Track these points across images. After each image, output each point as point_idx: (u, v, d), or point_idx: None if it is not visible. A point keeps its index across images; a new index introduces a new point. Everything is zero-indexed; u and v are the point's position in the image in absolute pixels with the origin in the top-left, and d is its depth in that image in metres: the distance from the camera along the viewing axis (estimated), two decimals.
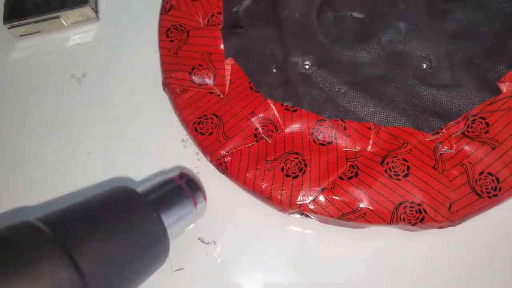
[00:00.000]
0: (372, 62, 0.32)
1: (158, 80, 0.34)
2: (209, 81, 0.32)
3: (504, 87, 0.30)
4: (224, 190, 0.31)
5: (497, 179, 0.27)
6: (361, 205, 0.27)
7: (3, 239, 0.19)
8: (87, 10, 0.37)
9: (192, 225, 0.29)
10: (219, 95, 0.32)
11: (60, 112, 0.36)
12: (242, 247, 0.30)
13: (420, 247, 0.29)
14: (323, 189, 0.28)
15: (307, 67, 0.32)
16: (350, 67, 0.32)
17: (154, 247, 0.25)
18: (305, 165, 0.29)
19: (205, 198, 0.29)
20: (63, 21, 0.38)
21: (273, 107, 0.31)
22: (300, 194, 0.28)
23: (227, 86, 0.32)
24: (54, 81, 0.37)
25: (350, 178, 0.28)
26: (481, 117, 0.29)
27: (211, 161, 0.30)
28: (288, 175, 0.29)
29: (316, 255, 0.29)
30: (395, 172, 0.28)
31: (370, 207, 0.27)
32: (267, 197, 0.28)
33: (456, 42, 0.32)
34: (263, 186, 0.29)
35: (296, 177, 0.28)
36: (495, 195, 0.27)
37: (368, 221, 0.27)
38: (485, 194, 0.27)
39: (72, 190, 0.32)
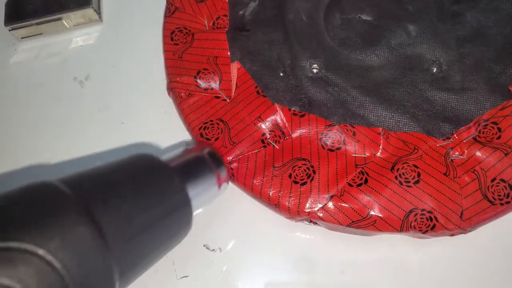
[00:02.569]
0: (381, 65, 0.31)
1: (161, 83, 0.34)
2: (215, 85, 0.32)
3: None
4: (230, 196, 0.30)
5: (510, 186, 0.27)
6: (371, 213, 0.27)
7: (23, 196, 0.19)
8: (89, 12, 0.37)
9: (213, 201, 0.28)
10: (225, 100, 0.31)
11: (63, 115, 0.35)
12: (248, 254, 0.29)
13: (429, 252, 0.28)
14: (332, 196, 0.27)
15: (315, 71, 0.32)
16: (358, 71, 0.31)
17: (177, 214, 0.24)
18: (314, 172, 0.28)
19: (227, 175, 0.28)
20: (65, 23, 0.37)
21: (281, 112, 0.30)
22: (309, 202, 0.27)
23: (233, 90, 0.31)
24: (56, 84, 0.37)
25: (359, 185, 0.28)
26: (493, 122, 0.29)
27: None
28: (296, 182, 0.28)
29: (323, 263, 0.29)
30: (406, 178, 0.27)
31: (380, 215, 0.27)
32: (275, 204, 0.28)
33: (466, 45, 0.31)
34: (270, 193, 0.28)
35: (304, 183, 0.28)
36: (508, 202, 0.27)
37: (378, 229, 0.27)
38: (497, 201, 0.27)
39: None
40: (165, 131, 0.33)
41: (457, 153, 0.28)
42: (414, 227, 0.26)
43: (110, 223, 0.19)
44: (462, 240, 0.28)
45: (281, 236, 0.30)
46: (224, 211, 0.30)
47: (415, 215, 0.27)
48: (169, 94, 0.33)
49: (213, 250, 0.30)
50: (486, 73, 0.30)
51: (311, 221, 0.28)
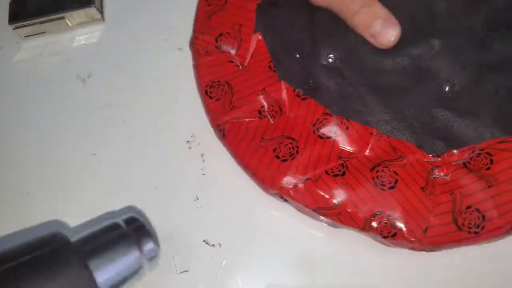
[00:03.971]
0: (395, 71, 0.31)
1: (163, 81, 0.35)
2: (232, 51, 0.33)
3: None
4: (230, 191, 0.31)
5: (483, 217, 0.27)
6: (339, 204, 0.27)
7: None
8: (92, 11, 0.37)
9: (142, 278, 0.26)
10: (238, 66, 0.32)
11: (65, 113, 0.36)
12: (248, 249, 0.30)
13: (432, 264, 0.28)
14: (307, 179, 0.28)
15: (330, 60, 0.32)
16: (372, 71, 0.31)
17: None
18: (297, 152, 0.29)
19: (157, 246, 0.26)
20: (68, 22, 0.38)
21: (285, 90, 0.31)
22: (284, 178, 0.28)
23: (248, 59, 0.33)
24: (59, 82, 0.37)
25: (336, 175, 0.28)
26: (487, 153, 0.28)
27: (212, 125, 0.31)
28: (277, 157, 0.29)
29: (324, 260, 0.29)
30: (382, 182, 0.28)
31: (347, 209, 0.27)
32: (252, 173, 0.29)
33: (485, 72, 0.31)
34: (250, 161, 0.29)
35: (285, 160, 0.29)
36: (476, 233, 0.26)
37: (341, 221, 0.27)
38: (465, 228, 0.27)
39: (75, 190, 0.33)
40: (167, 129, 0.34)
41: (442, 173, 0.28)
42: (376, 230, 0.27)
43: None
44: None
45: (281, 232, 0.30)
46: (224, 207, 0.31)
47: (381, 218, 0.27)
48: (190, 48, 0.34)
49: (213, 245, 0.30)
50: (495, 105, 0.30)
51: (282, 197, 0.29)
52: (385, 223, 0.27)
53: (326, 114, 0.30)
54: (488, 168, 0.28)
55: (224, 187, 0.32)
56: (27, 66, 0.38)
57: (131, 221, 0.26)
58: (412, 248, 0.28)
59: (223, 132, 0.30)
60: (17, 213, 0.33)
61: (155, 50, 0.37)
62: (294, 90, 0.31)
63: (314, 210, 0.28)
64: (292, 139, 0.30)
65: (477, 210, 0.27)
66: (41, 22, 0.37)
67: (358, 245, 0.29)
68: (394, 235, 0.27)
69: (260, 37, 0.33)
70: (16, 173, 0.34)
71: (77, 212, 0.32)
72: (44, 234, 0.24)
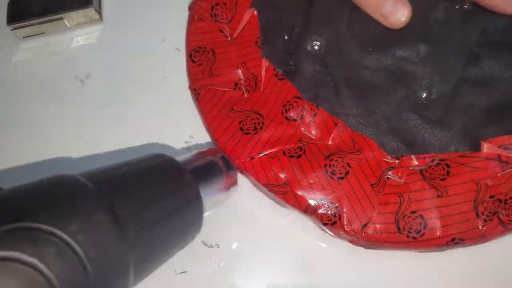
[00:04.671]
0: (377, 69, 0.31)
1: (162, 81, 0.35)
2: (224, 21, 0.34)
3: (485, 148, 0.28)
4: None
5: (425, 225, 0.27)
6: (287, 184, 0.28)
7: (45, 184, 0.20)
8: (90, 12, 0.37)
9: (221, 204, 0.29)
10: (227, 36, 0.33)
11: (63, 113, 0.36)
12: (246, 250, 0.30)
13: (435, 269, 0.29)
14: (263, 154, 0.29)
15: (316, 47, 0.32)
16: (353, 65, 0.32)
17: (189, 209, 0.25)
18: (261, 128, 0.30)
19: (236, 178, 0.29)
20: (66, 22, 0.38)
21: (264, 67, 0.32)
22: (242, 150, 0.29)
23: (237, 32, 0.33)
24: (57, 82, 0.37)
25: (291, 156, 0.29)
26: (446, 164, 0.28)
27: (189, 88, 0.32)
28: (241, 129, 0.30)
29: (323, 262, 0.29)
30: (333, 171, 0.28)
31: (294, 190, 0.28)
32: (215, 139, 0.30)
33: (466, 86, 0.30)
34: (217, 128, 0.30)
35: (247, 133, 0.30)
36: (415, 238, 0.27)
37: (286, 201, 0.28)
38: (405, 232, 0.27)
39: None
40: (165, 130, 0.34)
41: (397, 176, 0.28)
42: (317, 215, 0.27)
43: (126, 212, 0.21)
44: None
45: (279, 234, 0.30)
46: (222, 208, 0.31)
47: (323, 204, 0.27)
48: (188, 11, 0.35)
49: (211, 246, 0.30)
50: (468, 119, 0.29)
51: (238, 168, 0.30)
52: (327, 210, 0.27)
53: (298, 97, 0.31)
54: (443, 179, 0.28)
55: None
56: (26, 66, 0.38)
57: (219, 153, 0.29)
58: (351, 241, 0.28)
59: (197, 96, 0.31)
60: None
61: (153, 50, 0.37)
62: (274, 70, 0.32)
63: (265, 185, 0.28)
64: (260, 115, 0.30)
65: (421, 216, 0.27)
66: (39, 23, 0.37)
67: (358, 249, 0.29)
68: (334, 223, 0.27)
69: (255, 12, 0.34)
70: (14, 174, 0.34)
71: None
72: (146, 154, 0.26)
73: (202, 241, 0.30)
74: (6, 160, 0.35)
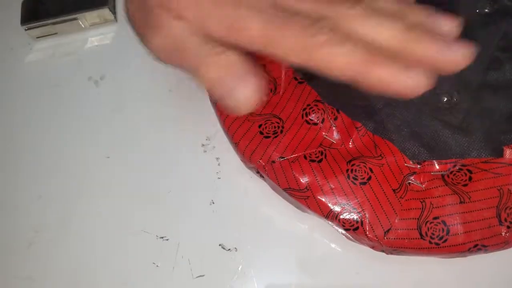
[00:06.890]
0: None
1: (178, 82, 0.34)
2: None
3: (508, 153, 0.28)
4: (245, 196, 0.31)
5: (448, 231, 0.27)
6: (309, 189, 0.28)
7: None
8: (105, 12, 0.37)
9: None
10: None
11: (78, 115, 0.36)
12: (264, 255, 0.30)
13: (455, 271, 0.29)
14: (284, 159, 0.29)
15: None
16: None
17: None
18: (281, 132, 0.30)
19: None
20: (80, 23, 0.37)
21: (284, 72, 0.31)
22: (262, 154, 0.29)
23: None
24: (71, 84, 0.37)
25: (313, 161, 0.29)
26: (468, 170, 0.28)
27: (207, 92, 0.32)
28: (261, 133, 0.30)
29: (341, 267, 0.29)
30: (355, 176, 0.28)
31: (316, 195, 0.28)
32: (235, 143, 0.30)
33: (489, 91, 0.30)
34: (236, 132, 0.30)
35: (267, 137, 0.29)
36: (437, 244, 0.26)
37: (308, 206, 0.28)
38: (427, 238, 0.27)
39: (88, 193, 0.33)
40: (181, 130, 0.34)
41: (419, 181, 0.28)
42: (339, 221, 0.27)
43: None
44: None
45: (298, 238, 0.30)
46: (240, 212, 0.31)
47: (345, 210, 0.27)
48: None
49: (229, 249, 0.30)
50: (489, 124, 0.29)
51: (258, 172, 0.30)
52: (349, 216, 0.27)
53: (318, 101, 0.30)
54: (465, 185, 0.28)
55: (239, 191, 0.31)
56: (39, 67, 0.38)
57: None
58: (372, 247, 0.28)
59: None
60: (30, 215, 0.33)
61: None
62: (293, 73, 0.31)
63: (284, 190, 0.28)
64: (280, 118, 0.30)
65: (444, 222, 0.27)
66: (53, 23, 0.37)
67: (377, 254, 0.29)
68: (356, 229, 0.27)
69: None
70: (28, 176, 0.34)
71: (88, 215, 0.32)
72: None
73: (220, 245, 0.30)
74: (17, 162, 0.35)
